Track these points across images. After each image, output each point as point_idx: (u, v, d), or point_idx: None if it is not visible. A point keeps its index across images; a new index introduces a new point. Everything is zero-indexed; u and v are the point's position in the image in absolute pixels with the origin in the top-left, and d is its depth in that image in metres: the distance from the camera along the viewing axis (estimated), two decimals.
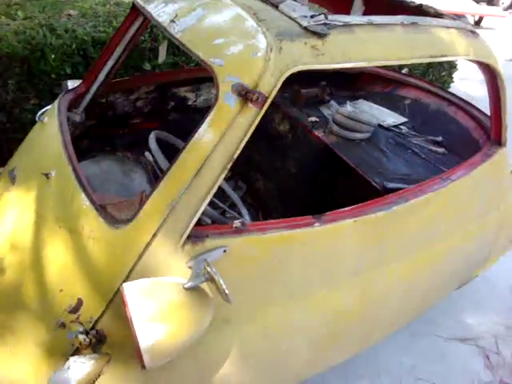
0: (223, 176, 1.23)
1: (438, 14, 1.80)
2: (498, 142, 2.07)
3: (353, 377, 2.24)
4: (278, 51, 1.22)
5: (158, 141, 1.86)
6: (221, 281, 1.13)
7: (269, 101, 1.21)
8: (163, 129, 2.07)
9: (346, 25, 1.36)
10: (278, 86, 1.21)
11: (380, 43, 1.41)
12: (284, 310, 1.42)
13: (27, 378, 1.28)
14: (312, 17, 1.32)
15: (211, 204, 1.83)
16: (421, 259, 1.82)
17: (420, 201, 1.66)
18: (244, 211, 1.81)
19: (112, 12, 3.24)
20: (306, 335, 1.53)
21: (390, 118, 2.62)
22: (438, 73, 4.34)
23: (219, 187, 2.01)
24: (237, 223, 1.31)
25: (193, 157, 1.21)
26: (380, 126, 2.51)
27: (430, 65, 4.20)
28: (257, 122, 1.22)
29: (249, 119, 1.20)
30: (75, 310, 1.27)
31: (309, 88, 2.59)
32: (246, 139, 1.22)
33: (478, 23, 10.50)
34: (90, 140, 2.37)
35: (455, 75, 4.61)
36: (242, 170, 2.82)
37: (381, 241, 1.63)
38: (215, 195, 1.88)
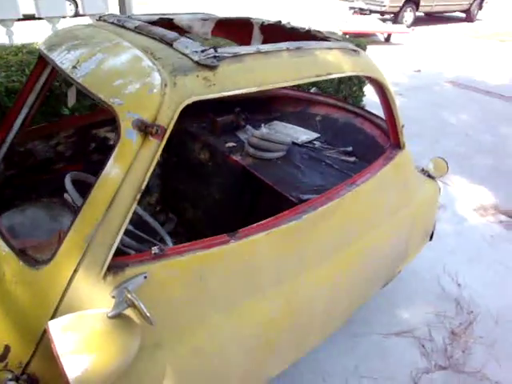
0: (134, 206, 1.29)
1: (324, 37, 1.98)
2: (398, 146, 2.26)
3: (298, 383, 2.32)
4: (173, 86, 1.32)
5: (80, 182, 1.89)
6: (141, 305, 1.18)
7: (168, 132, 1.30)
8: (88, 170, 2.08)
9: (235, 55, 1.48)
10: (176, 117, 1.31)
11: (268, 69, 1.55)
12: (212, 325, 1.48)
13: None
14: (203, 51, 1.44)
15: (139, 238, 1.88)
16: (341, 261, 1.93)
17: (328, 207, 1.79)
18: (167, 239, 1.87)
19: (25, 60, 3.24)
20: (239, 348, 1.58)
21: (304, 135, 2.79)
22: (349, 88, 4.63)
23: (144, 221, 2.06)
24: (155, 249, 1.37)
25: (103, 192, 1.27)
26: (294, 143, 2.67)
27: (341, 82, 4.48)
28: (159, 152, 1.30)
29: (151, 151, 1.28)
30: (3, 357, 1.27)
31: (224, 116, 2.72)
32: (152, 169, 1.30)
33: (387, 40, 11.28)
34: (14, 189, 2.36)
35: (366, 88, 4.91)
36: (170, 202, 2.88)
37: (297, 248, 1.73)
38: (143, 230, 1.93)
